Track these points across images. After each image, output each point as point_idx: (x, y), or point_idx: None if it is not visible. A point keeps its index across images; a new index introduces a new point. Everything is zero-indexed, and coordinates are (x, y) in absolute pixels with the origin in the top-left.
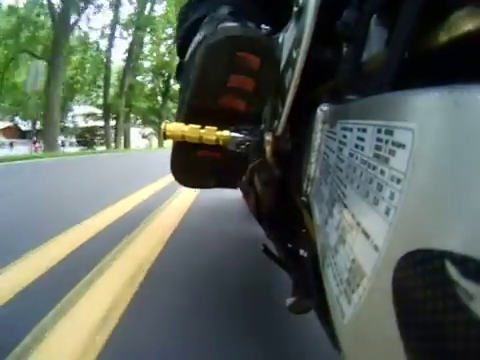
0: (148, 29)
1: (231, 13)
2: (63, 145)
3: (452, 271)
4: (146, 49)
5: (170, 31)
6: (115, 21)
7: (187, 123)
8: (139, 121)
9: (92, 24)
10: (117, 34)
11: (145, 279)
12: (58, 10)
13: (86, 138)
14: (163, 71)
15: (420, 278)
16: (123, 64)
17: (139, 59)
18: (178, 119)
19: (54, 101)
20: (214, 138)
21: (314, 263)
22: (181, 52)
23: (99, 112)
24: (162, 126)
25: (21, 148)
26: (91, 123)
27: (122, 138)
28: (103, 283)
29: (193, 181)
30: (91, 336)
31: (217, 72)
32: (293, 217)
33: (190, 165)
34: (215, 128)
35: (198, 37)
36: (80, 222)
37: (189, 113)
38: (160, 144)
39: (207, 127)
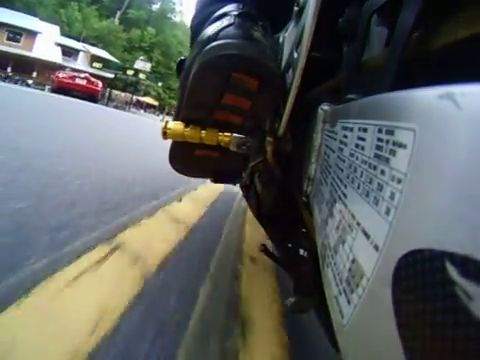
0: None
1: (239, 15)
2: None
3: (452, 271)
4: None
5: None
6: None
7: (186, 125)
8: None
9: None
10: None
11: None
12: None
13: None
14: None
15: (420, 278)
16: None
17: None
18: (177, 119)
19: None
20: (215, 139)
21: (314, 263)
22: (192, 42)
23: None
24: (162, 124)
25: None
26: None
27: None
28: None
29: (192, 175)
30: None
31: (210, 90)
32: (293, 217)
33: (188, 162)
34: (216, 130)
35: (204, 33)
36: None
37: (184, 121)
38: None
39: (208, 128)
